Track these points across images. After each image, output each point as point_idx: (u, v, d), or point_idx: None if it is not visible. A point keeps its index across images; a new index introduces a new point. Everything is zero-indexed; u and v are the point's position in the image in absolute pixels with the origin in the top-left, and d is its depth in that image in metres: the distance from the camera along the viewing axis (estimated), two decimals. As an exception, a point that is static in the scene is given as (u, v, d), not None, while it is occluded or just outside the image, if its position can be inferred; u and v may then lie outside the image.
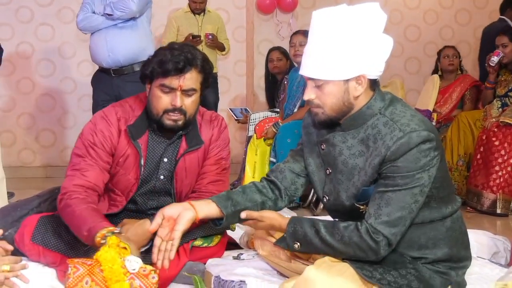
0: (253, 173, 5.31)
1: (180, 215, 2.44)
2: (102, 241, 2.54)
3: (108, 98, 5.02)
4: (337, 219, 2.58)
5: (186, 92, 2.89)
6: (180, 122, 2.92)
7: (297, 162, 2.69)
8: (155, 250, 2.40)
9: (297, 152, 2.72)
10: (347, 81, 2.33)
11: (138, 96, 3.16)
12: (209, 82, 3.03)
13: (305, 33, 5.58)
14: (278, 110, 5.85)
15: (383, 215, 2.28)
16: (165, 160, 3.07)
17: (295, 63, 5.73)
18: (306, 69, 2.37)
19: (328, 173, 2.53)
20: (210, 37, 6.61)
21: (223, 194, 2.59)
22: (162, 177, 3.08)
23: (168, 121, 2.91)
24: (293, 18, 7.73)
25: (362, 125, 2.40)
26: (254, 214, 2.53)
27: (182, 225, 2.42)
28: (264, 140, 5.39)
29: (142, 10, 5.11)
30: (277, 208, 2.67)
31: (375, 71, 2.37)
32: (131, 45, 5.09)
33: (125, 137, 3.00)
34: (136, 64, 5.02)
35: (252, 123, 5.72)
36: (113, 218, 3.03)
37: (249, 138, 5.66)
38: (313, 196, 5.21)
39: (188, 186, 3.12)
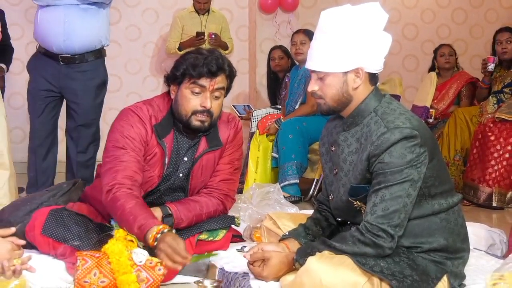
0: (256, 168, 5.31)
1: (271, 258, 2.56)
2: (155, 243, 2.56)
3: (50, 88, 4.39)
4: (339, 219, 2.71)
5: (214, 95, 2.96)
6: (206, 123, 2.98)
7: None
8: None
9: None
10: (346, 73, 2.44)
11: (163, 95, 3.15)
12: (231, 86, 3.11)
13: (305, 32, 5.58)
14: (280, 107, 5.84)
15: (378, 211, 2.35)
16: (185, 159, 3.10)
17: (296, 61, 5.71)
18: (310, 62, 2.49)
19: (335, 173, 2.61)
20: (213, 36, 6.58)
21: (300, 229, 2.74)
22: (181, 175, 3.11)
23: (196, 121, 2.96)
24: (293, 17, 7.70)
25: (359, 124, 2.48)
26: (258, 254, 2.58)
27: None
28: (267, 136, 5.38)
29: None
30: None
31: (373, 65, 2.46)
32: (90, 33, 4.33)
33: (153, 134, 3.02)
34: (89, 53, 4.37)
35: (254, 120, 5.70)
36: None
37: (252, 134, 5.66)
38: (314, 190, 5.22)
39: (202, 183, 3.16)
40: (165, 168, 3.05)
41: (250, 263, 2.59)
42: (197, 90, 2.93)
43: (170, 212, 2.94)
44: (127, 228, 2.69)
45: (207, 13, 6.77)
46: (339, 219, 2.75)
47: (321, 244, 2.45)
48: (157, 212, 2.91)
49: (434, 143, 2.51)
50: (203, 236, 3.09)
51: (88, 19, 4.30)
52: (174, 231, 2.68)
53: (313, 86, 2.50)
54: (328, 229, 2.78)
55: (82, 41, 4.30)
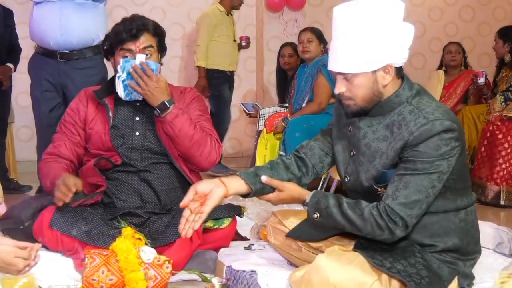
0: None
1: (211, 191, 2.45)
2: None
3: (51, 88, 4.31)
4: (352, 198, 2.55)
5: (144, 52, 3.10)
6: None
7: (326, 141, 2.72)
8: (182, 221, 2.40)
9: (327, 131, 2.74)
10: (375, 71, 2.35)
11: None
12: (165, 46, 3.28)
13: (312, 30, 5.58)
14: (287, 105, 5.83)
15: (400, 197, 2.29)
16: (137, 118, 3.19)
17: (303, 59, 5.70)
18: (335, 64, 2.39)
19: (352, 154, 2.54)
20: (248, 39, 6.65)
21: (252, 170, 2.61)
22: (137, 133, 3.18)
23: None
24: (300, 15, 7.69)
25: (389, 112, 2.42)
26: (275, 182, 2.54)
27: (213, 201, 2.43)
28: (274, 134, 5.38)
29: None
30: (301, 185, 2.65)
31: (400, 59, 2.38)
32: (88, 27, 4.22)
33: (93, 102, 3.23)
34: (87, 49, 4.27)
35: (262, 118, 5.71)
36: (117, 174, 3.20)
37: (259, 133, 5.66)
38: (321, 187, 5.22)
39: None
40: (110, 120, 3.15)
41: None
42: (127, 54, 3.11)
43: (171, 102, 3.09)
44: (46, 187, 3.12)
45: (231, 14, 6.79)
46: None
47: (335, 205, 2.39)
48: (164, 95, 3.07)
49: (464, 140, 2.46)
50: (208, 224, 3.09)
51: (85, 14, 4.21)
52: None
53: (340, 88, 2.41)
54: (285, 175, 2.67)
55: (79, 35, 4.20)
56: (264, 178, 2.52)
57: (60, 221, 2.99)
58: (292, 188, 2.54)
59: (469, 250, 2.50)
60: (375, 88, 2.38)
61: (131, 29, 3.10)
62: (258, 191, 2.55)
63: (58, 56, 4.23)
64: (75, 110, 3.25)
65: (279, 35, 7.67)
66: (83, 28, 4.20)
